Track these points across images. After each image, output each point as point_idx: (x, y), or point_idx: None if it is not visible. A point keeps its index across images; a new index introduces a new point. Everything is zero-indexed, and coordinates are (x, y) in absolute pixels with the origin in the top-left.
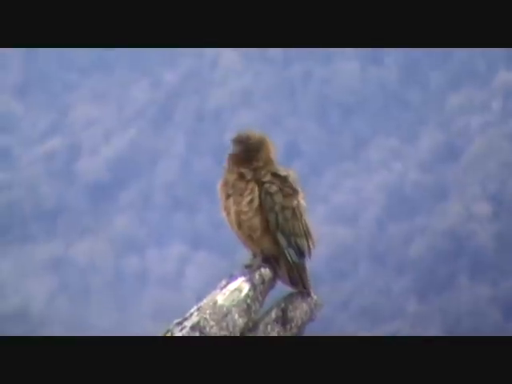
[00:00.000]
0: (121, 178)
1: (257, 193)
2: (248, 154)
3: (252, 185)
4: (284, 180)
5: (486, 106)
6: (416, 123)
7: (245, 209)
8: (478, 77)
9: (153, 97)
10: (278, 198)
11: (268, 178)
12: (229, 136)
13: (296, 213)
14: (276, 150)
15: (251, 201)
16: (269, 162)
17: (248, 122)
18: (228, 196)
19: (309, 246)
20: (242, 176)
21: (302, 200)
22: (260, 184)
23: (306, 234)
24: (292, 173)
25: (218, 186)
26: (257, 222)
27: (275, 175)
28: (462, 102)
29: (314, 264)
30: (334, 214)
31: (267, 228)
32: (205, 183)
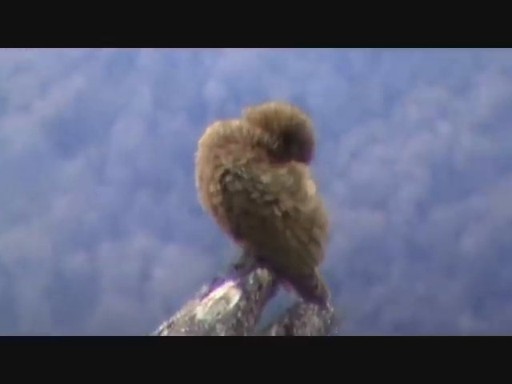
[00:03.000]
0: (63, 144)
1: (218, 186)
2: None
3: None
4: (260, 182)
5: None
6: (470, 68)
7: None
8: None
9: None
10: (240, 201)
11: (237, 169)
12: (211, 86)
13: (269, 225)
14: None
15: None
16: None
17: (238, 68)
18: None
19: (299, 265)
20: (217, 159)
21: (294, 208)
22: (223, 174)
23: (298, 251)
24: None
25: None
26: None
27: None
28: None
29: (330, 262)
30: (356, 194)
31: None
32: (178, 151)
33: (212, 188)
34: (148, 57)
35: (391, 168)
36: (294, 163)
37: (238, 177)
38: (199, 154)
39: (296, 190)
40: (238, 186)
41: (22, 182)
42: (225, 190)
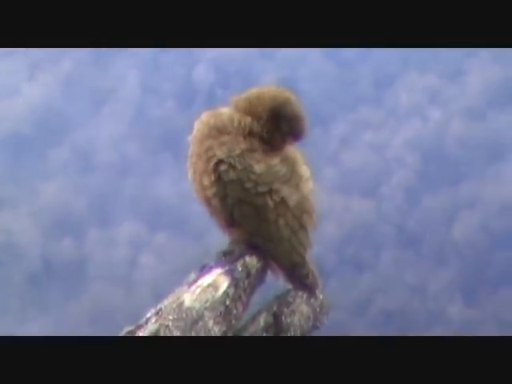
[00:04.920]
0: (50, 130)
1: (212, 177)
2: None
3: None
4: (253, 172)
5: None
6: (462, 53)
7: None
8: None
9: None
10: (234, 190)
11: (232, 158)
12: (200, 71)
13: (262, 214)
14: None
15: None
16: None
17: (227, 53)
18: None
19: (290, 254)
20: (210, 149)
21: (287, 196)
22: (217, 163)
23: (290, 240)
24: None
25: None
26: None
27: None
28: None
29: (320, 250)
30: (346, 181)
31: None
32: (167, 136)
33: (206, 181)
34: None
35: (382, 154)
36: (286, 151)
37: (232, 166)
38: (191, 149)
39: (289, 179)
40: (232, 175)
41: (6, 166)
42: (219, 179)
